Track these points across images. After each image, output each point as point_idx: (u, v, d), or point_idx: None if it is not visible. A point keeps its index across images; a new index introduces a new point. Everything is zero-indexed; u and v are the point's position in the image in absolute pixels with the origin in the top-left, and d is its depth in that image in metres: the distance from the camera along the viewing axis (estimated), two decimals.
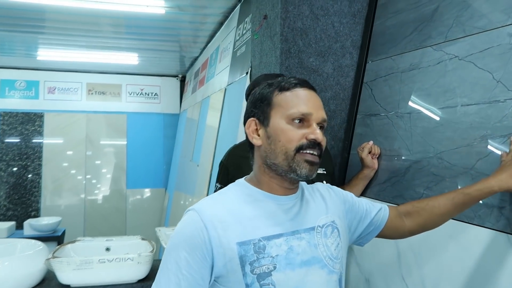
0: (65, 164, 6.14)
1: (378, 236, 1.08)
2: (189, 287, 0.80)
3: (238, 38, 3.09)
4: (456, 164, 1.33)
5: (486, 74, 1.28)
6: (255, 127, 0.92)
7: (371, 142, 1.66)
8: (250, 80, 2.41)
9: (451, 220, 1.28)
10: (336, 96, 1.97)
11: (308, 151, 0.86)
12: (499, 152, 1.19)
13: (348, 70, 1.99)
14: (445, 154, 1.38)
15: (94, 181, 6.27)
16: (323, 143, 0.88)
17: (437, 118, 1.45)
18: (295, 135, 0.86)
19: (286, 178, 0.89)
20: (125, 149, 6.42)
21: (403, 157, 1.57)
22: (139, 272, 1.72)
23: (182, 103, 6.47)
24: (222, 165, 1.57)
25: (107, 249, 1.87)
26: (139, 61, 5.65)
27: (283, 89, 0.90)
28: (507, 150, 1.16)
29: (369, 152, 1.65)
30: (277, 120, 0.88)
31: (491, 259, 1.16)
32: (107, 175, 6.37)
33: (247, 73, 2.47)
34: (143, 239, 1.96)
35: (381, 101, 1.76)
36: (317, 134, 0.86)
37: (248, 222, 0.84)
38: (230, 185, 0.94)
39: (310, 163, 0.86)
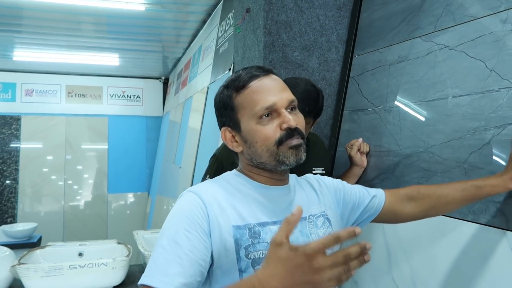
0: (45, 170, 5.93)
1: (374, 221, 1.04)
2: (191, 267, 0.73)
3: (220, 35, 2.99)
4: (448, 158, 1.26)
5: (479, 63, 1.22)
6: (231, 134, 0.89)
7: (360, 140, 1.59)
8: None
9: (443, 217, 1.22)
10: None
11: (288, 140, 0.83)
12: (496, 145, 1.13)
13: (334, 64, 1.92)
14: (436, 148, 1.31)
15: (75, 186, 6.06)
16: (300, 125, 0.85)
17: (428, 111, 1.39)
18: (269, 131, 0.83)
19: (277, 171, 0.87)
20: (106, 153, 6.24)
21: (392, 153, 1.50)
22: (114, 278, 1.61)
23: (165, 105, 6.34)
24: (216, 158, 1.44)
25: (80, 254, 1.75)
26: (120, 62, 5.50)
27: (239, 88, 0.85)
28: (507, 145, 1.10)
29: (358, 150, 1.57)
30: (247, 122, 0.85)
31: (485, 257, 1.09)
32: (89, 180, 6.17)
33: (229, 69, 2.38)
34: (119, 243, 1.85)
35: (368, 95, 1.69)
36: (290, 120, 0.82)
37: (243, 208, 0.83)
38: (224, 174, 0.94)
39: (295, 147, 0.84)
